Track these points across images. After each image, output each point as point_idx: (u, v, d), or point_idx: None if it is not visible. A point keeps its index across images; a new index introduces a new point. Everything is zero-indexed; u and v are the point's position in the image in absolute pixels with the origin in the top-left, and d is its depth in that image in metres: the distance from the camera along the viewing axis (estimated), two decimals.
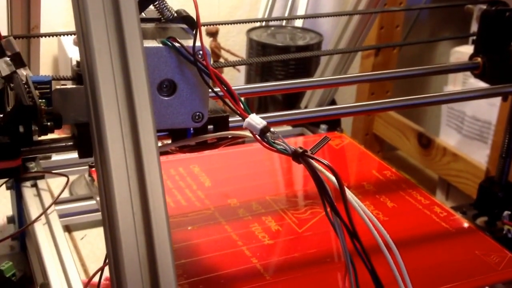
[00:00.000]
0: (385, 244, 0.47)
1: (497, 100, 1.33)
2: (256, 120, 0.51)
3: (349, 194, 0.48)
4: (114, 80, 0.44)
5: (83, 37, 0.45)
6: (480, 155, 1.41)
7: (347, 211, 0.47)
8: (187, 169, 0.95)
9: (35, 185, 0.96)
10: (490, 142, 1.39)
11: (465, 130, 1.48)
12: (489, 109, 1.39)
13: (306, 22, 1.56)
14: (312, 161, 0.49)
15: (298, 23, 1.53)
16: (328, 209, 0.48)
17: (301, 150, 0.49)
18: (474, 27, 1.46)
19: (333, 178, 0.48)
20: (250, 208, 0.85)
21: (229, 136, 0.59)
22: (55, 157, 1.04)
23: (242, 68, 1.47)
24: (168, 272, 0.42)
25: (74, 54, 1.35)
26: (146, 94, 0.44)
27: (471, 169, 1.38)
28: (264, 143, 0.51)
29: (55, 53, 1.53)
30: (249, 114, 0.51)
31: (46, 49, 1.50)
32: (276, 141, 0.51)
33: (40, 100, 0.53)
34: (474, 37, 0.87)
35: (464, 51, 1.42)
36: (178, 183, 0.91)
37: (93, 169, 0.88)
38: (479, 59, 0.83)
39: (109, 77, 0.44)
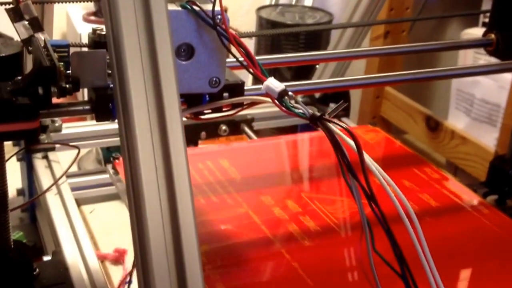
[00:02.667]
0: (404, 211, 0.47)
1: (507, 83, 1.33)
2: (275, 83, 0.51)
3: (367, 158, 0.48)
4: (139, 44, 0.44)
5: (108, 2, 0.45)
6: (488, 138, 1.41)
7: (365, 174, 0.47)
8: (216, 163, 0.92)
9: (46, 157, 0.97)
10: (499, 125, 1.39)
11: (474, 113, 1.47)
12: (498, 92, 1.39)
13: (316, 1, 1.55)
14: (330, 124, 0.49)
15: (308, 2, 1.53)
16: (345, 172, 0.48)
17: (319, 114, 0.49)
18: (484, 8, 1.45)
19: (352, 142, 0.48)
20: (286, 207, 0.81)
21: (245, 103, 0.59)
22: (65, 130, 1.04)
23: (252, 47, 1.47)
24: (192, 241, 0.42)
25: (82, 29, 1.35)
26: (171, 58, 0.44)
27: (480, 152, 1.38)
28: (283, 107, 0.51)
29: (63, 30, 1.53)
30: (267, 77, 0.51)
31: (55, 26, 1.49)
32: (294, 105, 0.51)
33: (59, 63, 0.53)
34: (484, 20, 0.87)
35: (474, 33, 1.42)
36: (208, 178, 0.88)
37: (117, 161, 0.86)
38: (492, 36, 0.83)
39: (134, 42, 0.44)
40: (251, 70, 0.53)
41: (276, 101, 0.51)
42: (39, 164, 0.95)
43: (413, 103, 1.60)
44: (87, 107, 0.57)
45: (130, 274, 0.56)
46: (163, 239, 0.41)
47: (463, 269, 0.72)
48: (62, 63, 0.54)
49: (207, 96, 0.59)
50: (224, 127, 1.13)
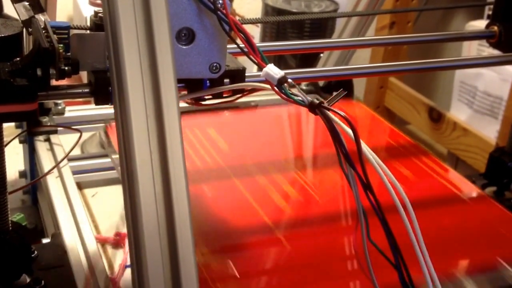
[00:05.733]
0: (400, 201, 0.47)
1: (510, 76, 1.33)
2: (274, 70, 0.50)
3: (364, 146, 0.48)
4: (136, 27, 0.43)
5: None
6: (490, 130, 1.41)
7: (361, 162, 0.47)
8: (204, 132, 0.92)
9: (48, 140, 0.97)
10: (500, 117, 1.39)
11: (476, 105, 1.47)
12: (501, 85, 1.38)
13: None
14: (328, 112, 0.49)
15: None
16: (343, 161, 0.48)
17: (317, 101, 0.49)
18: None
19: (349, 130, 0.48)
20: (264, 170, 0.83)
21: (246, 89, 0.59)
22: (68, 113, 1.05)
23: (257, 35, 1.46)
24: (186, 225, 0.42)
25: (89, 13, 1.35)
26: (168, 42, 0.44)
27: (481, 144, 1.38)
28: (282, 94, 0.50)
29: (70, 13, 1.53)
30: (267, 64, 0.51)
31: (61, 9, 1.49)
32: (293, 92, 0.51)
33: (58, 45, 0.53)
34: (489, 12, 0.87)
35: (479, 25, 1.41)
36: (194, 145, 0.89)
37: (108, 126, 0.85)
38: (495, 28, 0.82)
39: (131, 24, 0.43)
40: (251, 57, 0.53)
41: (275, 87, 0.51)
42: (41, 146, 0.95)
43: (417, 94, 1.59)
44: (86, 90, 0.57)
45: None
46: (156, 225, 0.41)
47: (459, 260, 0.72)
48: (61, 45, 0.54)
49: (207, 81, 0.59)
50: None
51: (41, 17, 0.57)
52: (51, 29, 0.55)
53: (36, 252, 0.70)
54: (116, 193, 1.08)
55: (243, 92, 0.60)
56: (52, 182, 0.86)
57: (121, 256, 0.91)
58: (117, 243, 0.94)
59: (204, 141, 0.90)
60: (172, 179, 0.42)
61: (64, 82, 0.56)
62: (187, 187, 0.42)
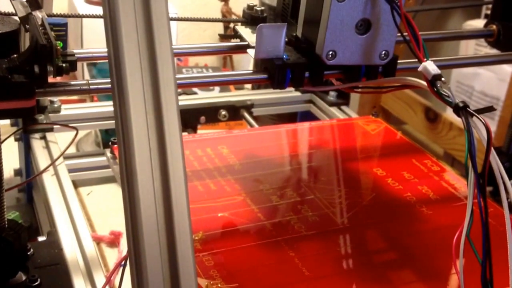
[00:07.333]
0: None
1: (507, 76, 1.33)
2: (432, 66, 0.55)
3: (494, 155, 0.53)
4: (136, 26, 0.43)
5: None
6: None
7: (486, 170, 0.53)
8: (215, 150, 0.90)
9: (44, 138, 0.97)
10: (497, 118, 1.39)
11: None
12: (498, 85, 1.38)
13: None
14: (470, 118, 0.53)
15: None
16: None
17: (462, 104, 0.52)
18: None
19: (485, 136, 0.53)
20: (284, 196, 0.80)
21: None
22: (64, 111, 1.04)
23: None
24: (184, 226, 0.42)
25: (84, 11, 1.34)
26: (167, 40, 0.43)
27: (477, 145, 1.38)
28: (433, 90, 0.55)
29: (65, 11, 1.52)
30: (427, 59, 0.56)
31: (56, 8, 1.49)
32: (444, 90, 0.55)
33: (55, 42, 0.53)
34: (487, 12, 0.87)
35: (476, 25, 1.41)
36: (206, 164, 0.86)
37: (115, 146, 0.84)
38: (494, 27, 0.82)
39: (131, 23, 0.43)
40: (414, 49, 0.57)
41: (429, 82, 0.56)
42: (37, 144, 0.95)
43: (413, 94, 1.59)
44: (85, 87, 0.57)
45: (125, 258, 0.56)
46: (155, 222, 0.41)
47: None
48: (59, 42, 0.54)
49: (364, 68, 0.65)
50: (223, 112, 1.12)
51: (38, 14, 0.57)
52: (49, 26, 0.55)
53: (32, 250, 0.70)
54: (111, 191, 1.07)
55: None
56: (48, 180, 0.86)
57: (115, 255, 0.91)
58: (112, 242, 0.94)
59: (215, 160, 0.87)
60: (171, 177, 0.41)
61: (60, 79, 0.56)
62: (186, 185, 0.42)
